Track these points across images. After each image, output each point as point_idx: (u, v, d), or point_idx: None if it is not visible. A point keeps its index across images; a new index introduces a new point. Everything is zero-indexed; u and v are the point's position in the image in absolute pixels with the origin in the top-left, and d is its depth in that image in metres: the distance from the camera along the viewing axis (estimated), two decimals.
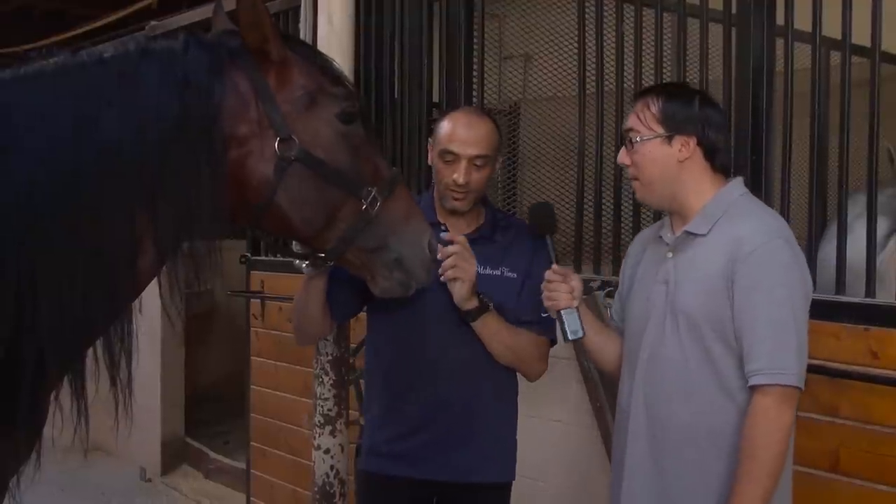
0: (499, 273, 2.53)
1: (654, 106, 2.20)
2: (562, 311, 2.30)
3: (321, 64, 2.07)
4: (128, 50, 1.86)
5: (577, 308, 2.30)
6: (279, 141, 1.91)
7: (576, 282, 2.33)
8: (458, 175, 2.47)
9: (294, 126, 1.94)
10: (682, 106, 2.20)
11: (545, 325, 2.53)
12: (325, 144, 1.98)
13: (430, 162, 2.59)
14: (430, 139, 2.61)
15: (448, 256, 2.33)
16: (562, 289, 2.31)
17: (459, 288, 2.37)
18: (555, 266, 2.35)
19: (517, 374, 2.62)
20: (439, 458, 2.50)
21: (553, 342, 2.57)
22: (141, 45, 1.89)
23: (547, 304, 2.34)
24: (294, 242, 2.34)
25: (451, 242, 2.36)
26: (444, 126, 2.53)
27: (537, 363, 2.58)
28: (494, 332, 2.46)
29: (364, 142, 2.08)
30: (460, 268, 2.35)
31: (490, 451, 2.56)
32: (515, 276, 2.52)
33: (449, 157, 2.48)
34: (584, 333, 2.31)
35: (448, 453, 2.50)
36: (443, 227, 2.52)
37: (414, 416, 2.53)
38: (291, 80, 1.97)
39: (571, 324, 2.29)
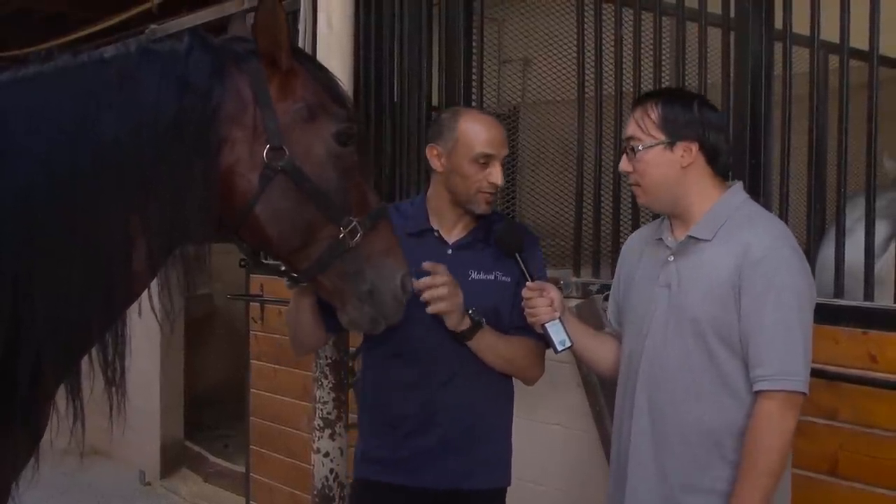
0: (492, 277, 2.49)
1: (654, 112, 2.19)
2: (546, 325, 2.31)
3: (326, 81, 2.04)
4: (128, 50, 1.86)
5: (560, 318, 2.31)
6: (269, 149, 1.89)
7: (554, 293, 2.33)
8: (497, 177, 2.45)
9: (288, 137, 1.91)
10: (682, 111, 2.19)
11: None
12: (314, 161, 1.95)
13: (439, 166, 2.49)
14: (437, 142, 2.49)
15: (429, 288, 2.29)
16: (541, 303, 2.31)
17: (449, 317, 2.36)
18: (529, 283, 2.35)
19: (512, 378, 2.59)
20: (433, 467, 2.47)
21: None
22: (142, 45, 1.89)
23: (529, 320, 2.34)
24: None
25: (427, 273, 2.32)
26: (475, 129, 2.44)
27: (534, 369, 2.56)
28: (490, 347, 2.44)
29: (356, 167, 2.04)
30: (447, 300, 2.33)
31: (485, 457, 2.52)
32: (509, 279, 2.48)
33: (484, 159, 2.43)
34: (572, 342, 2.32)
35: (442, 461, 2.47)
36: (436, 233, 2.51)
37: (407, 424, 2.49)
38: (294, 91, 1.95)
39: (557, 335, 2.30)
